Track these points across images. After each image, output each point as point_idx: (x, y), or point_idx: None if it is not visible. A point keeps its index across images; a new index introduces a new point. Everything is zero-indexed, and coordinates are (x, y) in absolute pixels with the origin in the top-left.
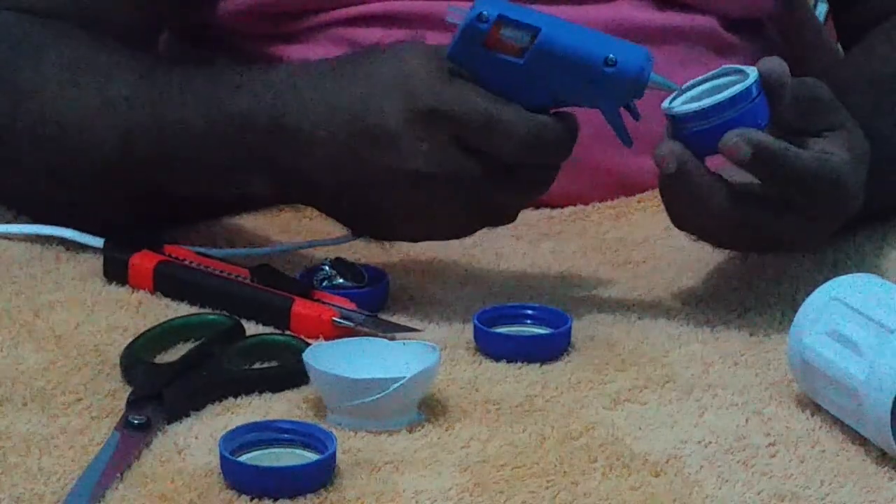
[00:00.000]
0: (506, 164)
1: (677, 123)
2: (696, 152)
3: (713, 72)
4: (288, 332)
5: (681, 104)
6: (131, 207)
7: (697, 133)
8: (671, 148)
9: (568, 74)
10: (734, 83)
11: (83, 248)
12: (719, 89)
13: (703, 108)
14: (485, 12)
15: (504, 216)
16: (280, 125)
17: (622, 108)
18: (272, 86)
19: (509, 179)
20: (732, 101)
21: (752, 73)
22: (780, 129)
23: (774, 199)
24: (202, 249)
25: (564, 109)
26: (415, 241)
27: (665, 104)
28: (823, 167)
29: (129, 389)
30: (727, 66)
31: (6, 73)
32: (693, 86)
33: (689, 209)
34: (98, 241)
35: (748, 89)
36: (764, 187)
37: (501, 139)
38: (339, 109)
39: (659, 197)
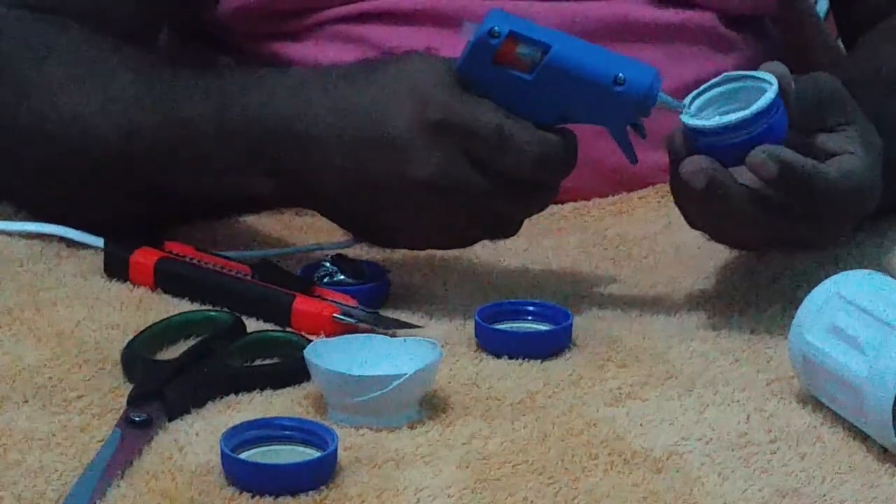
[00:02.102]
0: (510, 179)
1: (703, 137)
2: (720, 164)
3: (716, 79)
4: (289, 329)
5: (694, 114)
6: (132, 206)
7: (724, 147)
8: (699, 164)
9: (576, 91)
10: (747, 89)
11: (84, 245)
12: (731, 95)
13: (734, 122)
14: (496, 28)
15: (505, 229)
16: (288, 127)
17: (629, 126)
18: (282, 88)
19: (513, 194)
20: (761, 114)
21: (770, 79)
22: (793, 128)
23: (802, 211)
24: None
25: (569, 126)
26: (415, 249)
27: (685, 118)
28: (847, 182)
29: (130, 386)
30: (730, 73)
31: (9, 69)
32: (701, 93)
33: (721, 220)
34: (98, 241)
35: (775, 100)
36: (790, 199)
37: (511, 155)
38: (349, 115)
39: (659, 192)
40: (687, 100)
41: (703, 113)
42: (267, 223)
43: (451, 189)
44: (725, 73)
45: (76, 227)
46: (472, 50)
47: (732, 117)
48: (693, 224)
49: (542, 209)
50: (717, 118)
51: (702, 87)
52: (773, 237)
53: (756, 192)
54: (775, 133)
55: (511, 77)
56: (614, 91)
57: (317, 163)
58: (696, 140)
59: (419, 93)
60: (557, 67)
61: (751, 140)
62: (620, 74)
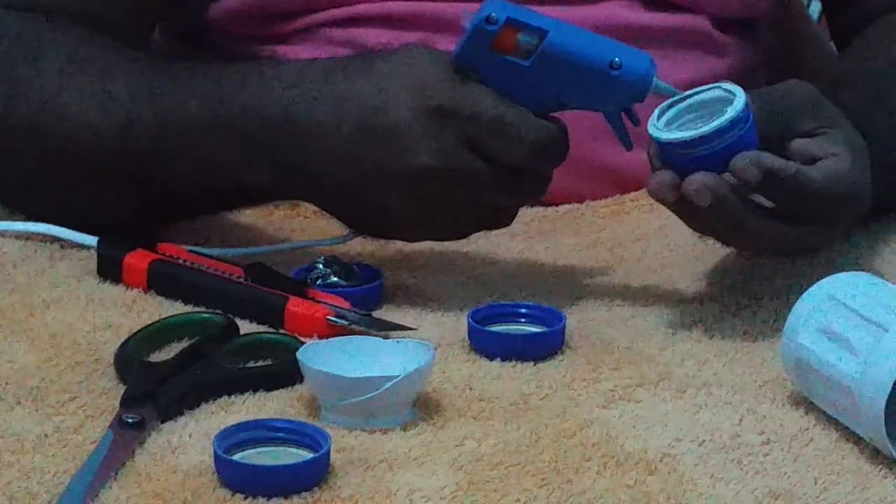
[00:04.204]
0: (509, 167)
1: (682, 149)
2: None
3: (669, 100)
4: (282, 331)
5: (661, 129)
6: (129, 202)
7: (698, 158)
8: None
9: (573, 77)
10: (710, 101)
11: (77, 246)
12: (694, 109)
13: (711, 132)
14: (494, 14)
15: (501, 219)
16: (286, 118)
17: (623, 113)
18: (280, 79)
19: (510, 182)
20: (734, 122)
21: (735, 90)
22: (766, 138)
23: (795, 214)
24: (196, 248)
25: (565, 112)
26: (413, 240)
27: (656, 133)
28: (834, 183)
29: (122, 388)
30: (678, 94)
31: (3, 67)
32: (664, 110)
33: (724, 232)
34: (92, 240)
35: (746, 107)
36: (781, 204)
37: (510, 143)
38: (348, 104)
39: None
40: (654, 116)
41: (667, 129)
42: (261, 222)
43: (451, 176)
44: (687, 91)
45: (73, 227)
46: (469, 37)
47: (713, 124)
48: (701, 233)
49: (536, 198)
50: (703, 126)
51: (663, 105)
52: (781, 246)
53: (756, 203)
54: (746, 140)
55: (508, 63)
56: (611, 75)
57: (316, 153)
58: (667, 154)
59: (418, 80)
60: (555, 53)
61: (725, 150)
62: (617, 59)
